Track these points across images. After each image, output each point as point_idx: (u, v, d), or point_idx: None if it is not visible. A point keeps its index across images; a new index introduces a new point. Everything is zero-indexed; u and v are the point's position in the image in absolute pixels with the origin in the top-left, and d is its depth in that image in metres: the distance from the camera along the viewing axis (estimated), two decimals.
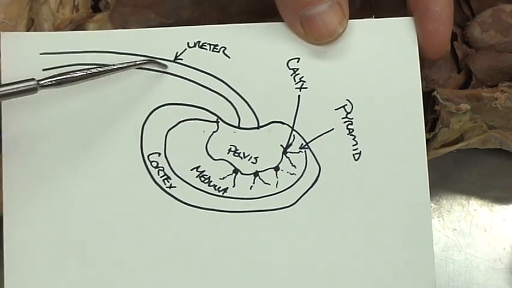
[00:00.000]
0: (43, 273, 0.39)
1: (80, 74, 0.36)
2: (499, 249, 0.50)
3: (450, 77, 0.47)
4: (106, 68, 0.38)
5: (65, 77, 0.36)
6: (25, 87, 0.35)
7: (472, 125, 0.47)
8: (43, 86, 0.35)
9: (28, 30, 0.44)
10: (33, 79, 0.35)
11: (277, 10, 0.39)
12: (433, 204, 0.51)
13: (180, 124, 0.39)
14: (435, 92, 0.45)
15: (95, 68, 0.37)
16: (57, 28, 0.44)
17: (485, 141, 0.48)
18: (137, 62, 0.39)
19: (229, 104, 0.40)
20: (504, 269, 0.49)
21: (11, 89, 0.35)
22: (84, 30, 0.45)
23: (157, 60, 0.39)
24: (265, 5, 0.41)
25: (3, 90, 0.34)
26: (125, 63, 0.38)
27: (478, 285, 0.49)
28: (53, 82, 0.36)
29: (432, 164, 0.41)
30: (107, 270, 0.39)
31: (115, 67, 0.38)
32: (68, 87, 0.37)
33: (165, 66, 0.39)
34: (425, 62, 0.43)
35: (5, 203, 0.39)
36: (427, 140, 0.41)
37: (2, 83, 0.38)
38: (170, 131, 0.39)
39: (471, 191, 0.51)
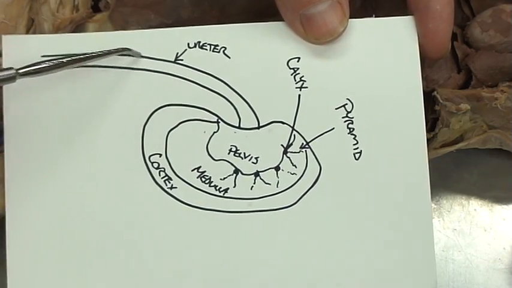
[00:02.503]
0: (45, 272, 0.39)
1: (57, 62, 0.36)
2: (499, 249, 0.50)
3: (450, 77, 0.47)
4: (82, 56, 0.38)
5: (43, 65, 0.36)
6: (4, 76, 0.35)
7: (472, 125, 0.47)
8: (22, 75, 0.35)
9: (28, 30, 0.43)
10: (11, 68, 0.35)
11: (277, 9, 0.39)
12: (433, 204, 0.51)
13: (180, 125, 0.39)
14: (435, 92, 0.45)
15: (72, 56, 0.37)
16: (57, 28, 0.44)
17: (485, 141, 0.48)
18: (111, 51, 0.38)
19: (229, 104, 0.40)
20: (504, 269, 0.49)
21: None
22: (84, 30, 0.44)
23: (130, 49, 0.39)
24: (265, 4, 0.41)
25: None
26: (101, 51, 0.38)
27: (478, 285, 0.49)
28: (31, 71, 0.36)
29: (432, 164, 0.41)
30: (108, 270, 0.39)
31: (90, 55, 0.38)
32: (72, 89, 0.38)
33: (138, 54, 0.39)
34: (425, 61, 0.43)
35: (7, 204, 0.39)
36: (427, 140, 0.41)
37: (6, 87, 0.38)
38: (171, 132, 0.39)
39: (471, 191, 0.51)
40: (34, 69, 0.36)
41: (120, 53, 0.39)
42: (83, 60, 0.38)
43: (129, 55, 0.39)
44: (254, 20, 0.40)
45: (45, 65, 0.36)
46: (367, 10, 0.45)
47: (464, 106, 0.44)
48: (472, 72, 0.46)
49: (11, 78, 0.35)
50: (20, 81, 0.36)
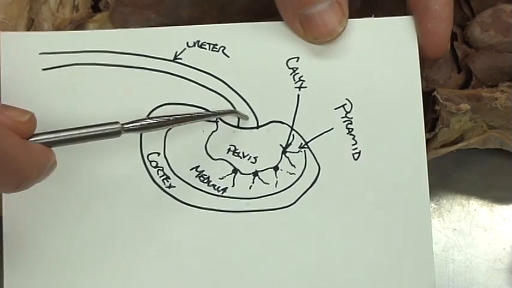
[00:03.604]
0: (42, 272, 0.39)
1: (164, 120, 0.37)
2: (499, 249, 0.50)
3: (450, 77, 0.47)
4: (188, 115, 0.38)
5: (149, 122, 0.36)
6: (108, 130, 0.35)
7: (472, 125, 0.47)
8: (127, 130, 0.35)
9: (28, 30, 0.44)
10: (117, 122, 0.35)
11: (277, 9, 0.39)
12: (433, 204, 0.51)
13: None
14: (435, 92, 0.45)
15: (178, 115, 0.38)
16: (57, 28, 0.44)
17: (485, 141, 0.48)
18: (220, 112, 0.39)
19: (228, 103, 0.40)
20: (504, 269, 0.49)
21: (95, 131, 0.35)
22: (84, 30, 0.45)
23: (239, 112, 0.39)
24: (264, 4, 0.41)
25: (86, 132, 0.35)
26: (211, 112, 0.39)
27: (478, 285, 0.49)
28: (137, 127, 0.36)
29: (432, 164, 0.41)
30: (106, 269, 0.39)
31: (199, 115, 0.39)
32: (71, 87, 0.38)
33: (246, 116, 0.40)
34: (425, 61, 0.43)
35: (4, 205, 0.39)
36: (427, 140, 0.41)
37: (3, 84, 0.38)
38: (169, 131, 0.39)
39: (471, 191, 0.51)
40: (139, 126, 0.36)
41: (228, 114, 0.39)
42: (189, 120, 0.38)
43: (237, 117, 0.40)
44: (253, 20, 0.40)
45: (151, 122, 0.36)
46: (367, 10, 0.45)
47: (464, 106, 0.44)
48: (472, 72, 0.46)
49: (116, 133, 0.35)
50: (18, 76, 0.36)
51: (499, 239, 0.50)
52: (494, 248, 0.50)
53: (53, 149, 0.34)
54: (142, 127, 0.36)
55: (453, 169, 0.52)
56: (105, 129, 0.35)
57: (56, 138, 0.34)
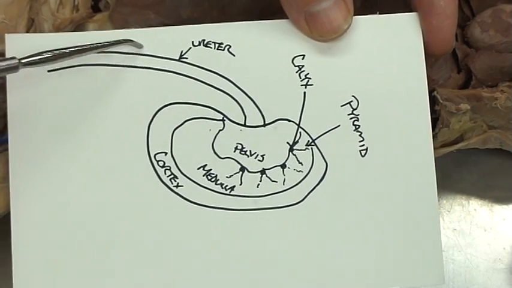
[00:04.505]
0: (50, 270, 0.39)
1: (60, 52, 0.36)
2: (499, 249, 0.50)
3: (450, 77, 0.47)
4: (84, 46, 0.37)
5: (45, 56, 0.36)
6: (6, 66, 0.34)
7: (472, 125, 0.47)
8: (25, 65, 0.35)
9: (28, 30, 0.43)
10: (14, 57, 0.34)
11: (280, 8, 0.39)
12: None
13: (186, 123, 0.39)
14: (435, 92, 0.45)
15: (73, 47, 0.37)
16: (57, 28, 0.43)
17: (485, 141, 0.48)
18: (113, 42, 0.39)
19: (235, 102, 0.39)
20: (504, 269, 0.49)
21: None
22: (84, 30, 0.44)
23: (133, 40, 0.39)
24: (265, 5, 0.41)
25: None
26: (103, 42, 0.38)
27: (478, 285, 0.49)
28: (34, 60, 0.35)
29: None
30: (113, 268, 0.39)
31: (92, 46, 0.38)
32: (77, 88, 0.38)
33: (140, 45, 0.39)
34: (425, 61, 0.43)
35: (12, 202, 0.39)
36: None
37: (10, 87, 0.38)
38: (176, 130, 0.39)
39: (471, 191, 0.52)
40: (37, 60, 0.35)
41: (123, 44, 0.39)
42: (84, 51, 0.37)
43: (132, 46, 0.39)
44: (254, 20, 0.40)
45: (47, 55, 0.36)
46: (367, 10, 0.45)
47: (464, 106, 0.45)
48: (472, 72, 0.46)
49: (13, 68, 0.34)
50: (24, 79, 0.36)
51: (499, 239, 0.50)
52: (494, 248, 0.50)
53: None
54: (39, 61, 0.35)
55: (453, 169, 0.52)
56: (2, 65, 0.34)
57: None
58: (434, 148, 0.46)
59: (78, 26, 0.45)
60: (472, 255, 0.50)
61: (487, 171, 0.52)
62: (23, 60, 0.35)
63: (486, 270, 0.50)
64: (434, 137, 0.46)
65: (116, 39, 0.39)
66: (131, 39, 0.39)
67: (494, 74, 0.46)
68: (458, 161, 0.51)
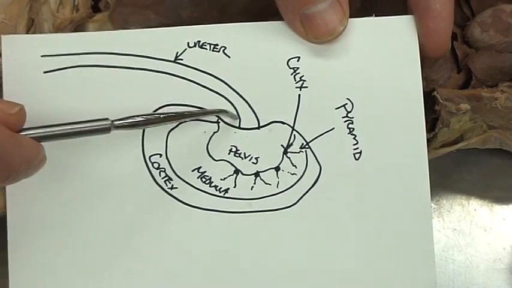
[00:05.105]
0: (46, 272, 0.39)
1: (153, 118, 0.37)
2: (499, 249, 0.50)
3: (450, 77, 0.47)
4: (179, 113, 0.38)
5: (138, 119, 0.36)
6: (98, 127, 0.35)
7: (472, 125, 0.47)
8: (117, 127, 0.35)
9: (28, 30, 0.43)
10: (107, 118, 0.35)
11: (277, 9, 0.39)
12: (433, 204, 0.51)
13: (180, 125, 0.39)
14: (435, 92, 0.45)
15: (167, 114, 0.38)
16: (57, 28, 0.44)
17: (485, 141, 0.48)
18: (209, 111, 0.39)
19: (229, 104, 0.39)
20: (504, 269, 0.49)
21: (84, 127, 0.35)
22: (84, 30, 0.44)
23: (228, 111, 0.39)
24: (264, 5, 0.41)
25: (75, 128, 0.34)
26: (201, 111, 0.39)
27: (478, 285, 0.49)
28: (127, 124, 0.36)
29: (432, 164, 0.41)
30: (108, 270, 0.39)
31: (188, 113, 0.39)
32: (72, 88, 0.38)
33: (235, 116, 0.40)
34: (425, 61, 0.43)
35: (8, 204, 0.39)
36: (427, 140, 0.41)
37: (6, 87, 0.38)
38: (171, 132, 0.39)
39: (471, 191, 0.52)
40: (129, 123, 0.36)
41: (217, 113, 0.39)
42: (178, 118, 0.38)
43: (227, 117, 0.40)
44: (254, 20, 0.40)
45: (140, 119, 0.36)
46: (367, 10, 0.45)
47: (464, 106, 0.44)
48: (472, 72, 0.46)
49: (105, 129, 0.35)
50: (21, 80, 0.36)
51: (499, 239, 0.50)
52: (494, 248, 0.50)
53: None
54: (131, 124, 0.36)
55: (453, 169, 0.52)
56: (95, 125, 0.35)
57: (46, 133, 0.34)
58: (435, 148, 0.46)
59: (78, 26, 0.45)
60: (472, 255, 0.50)
61: (487, 171, 0.52)
62: (116, 123, 0.35)
63: (486, 270, 0.49)
64: (434, 137, 0.46)
65: (212, 109, 0.39)
66: (226, 110, 0.39)
67: (494, 74, 0.46)
68: (458, 161, 0.51)
